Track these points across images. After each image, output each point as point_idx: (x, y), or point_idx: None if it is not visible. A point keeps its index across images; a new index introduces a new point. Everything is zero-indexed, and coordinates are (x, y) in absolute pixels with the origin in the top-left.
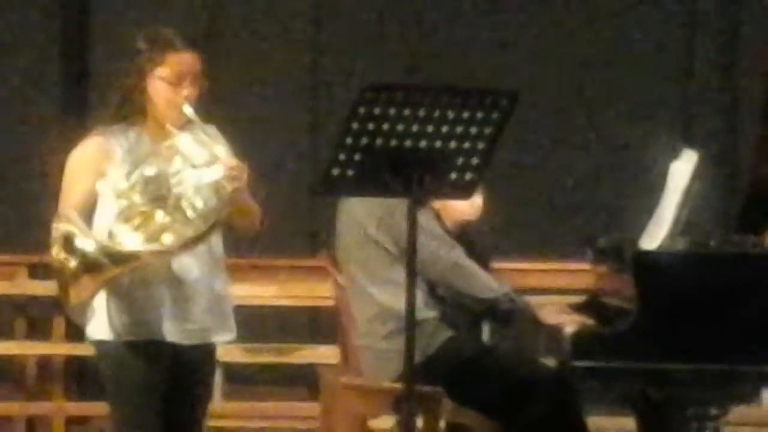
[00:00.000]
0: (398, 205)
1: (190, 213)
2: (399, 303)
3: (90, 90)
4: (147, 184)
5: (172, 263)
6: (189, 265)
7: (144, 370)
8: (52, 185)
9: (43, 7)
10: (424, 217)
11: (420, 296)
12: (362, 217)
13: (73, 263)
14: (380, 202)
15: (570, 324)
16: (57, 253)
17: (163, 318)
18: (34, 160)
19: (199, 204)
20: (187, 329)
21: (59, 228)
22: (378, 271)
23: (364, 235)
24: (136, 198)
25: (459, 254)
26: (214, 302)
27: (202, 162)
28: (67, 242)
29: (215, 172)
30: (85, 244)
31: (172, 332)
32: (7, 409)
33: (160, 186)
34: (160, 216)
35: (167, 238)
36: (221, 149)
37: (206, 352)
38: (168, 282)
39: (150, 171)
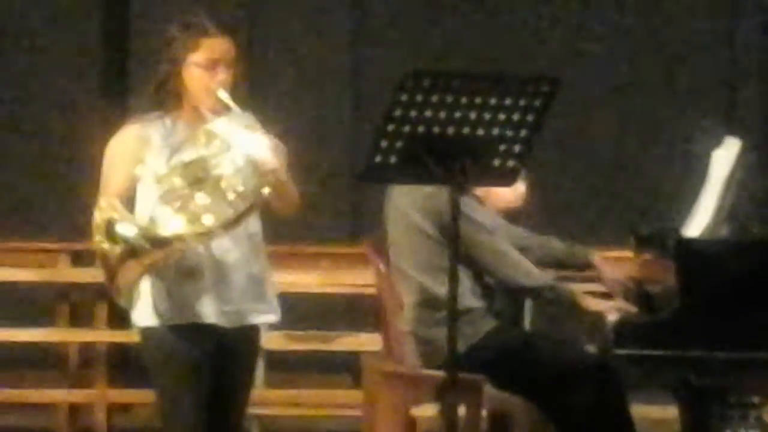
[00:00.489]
0: (441, 193)
1: (230, 194)
2: (446, 290)
3: (129, 78)
4: (186, 167)
5: (211, 247)
6: (228, 248)
7: (187, 353)
8: (93, 173)
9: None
10: (466, 204)
11: (466, 285)
12: (406, 205)
13: (116, 250)
14: (423, 189)
15: (612, 311)
16: (100, 240)
17: (204, 300)
18: (75, 148)
19: (238, 184)
20: (226, 311)
21: (100, 215)
22: (424, 258)
23: (409, 223)
24: (176, 182)
25: (500, 241)
26: (252, 285)
27: (239, 144)
28: (109, 229)
29: (253, 153)
30: (126, 229)
31: (211, 314)
32: (50, 396)
33: (198, 169)
34: (200, 198)
35: (208, 220)
36: (257, 132)
37: (249, 335)
38: (208, 265)
39: (188, 155)
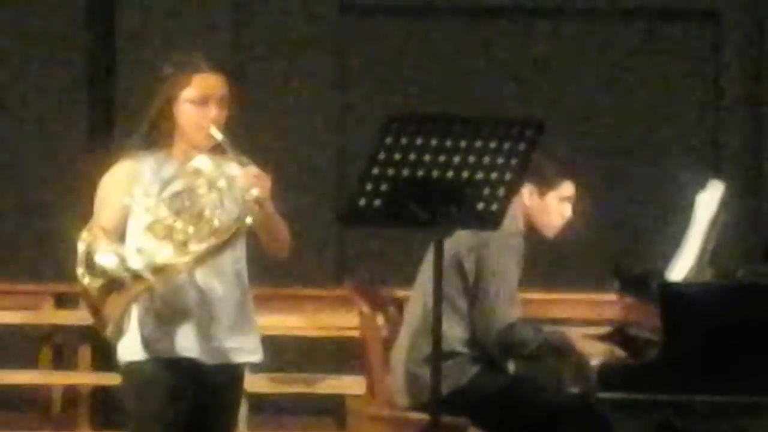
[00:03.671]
0: (496, 240)
1: (214, 223)
2: (451, 331)
3: (116, 121)
4: (172, 199)
5: (198, 283)
6: (214, 286)
7: (169, 388)
8: (76, 216)
9: (70, 36)
10: (505, 253)
11: (467, 334)
12: (458, 242)
13: (96, 283)
14: (479, 233)
15: (604, 353)
16: (81, 274)
17: (188, 335)
18: (58, 192)
19: (222, 214)
20: (212, 347)
21: (82, 246)
22: (452, 298)
23: (454, 263)
24: (163, 212)
25: (513, 315)
26: (238, 324)
27: (223, 176)
28: (88, 260)
29: (237, 184)
30: (105, 259)
31: (195, 349)
32: None
33: (184, 200)
34: (185, 228)
35: (192, 248)
36: (244, 165)
37: (232, 376)
38: (194, 301)
39: (176, 186)
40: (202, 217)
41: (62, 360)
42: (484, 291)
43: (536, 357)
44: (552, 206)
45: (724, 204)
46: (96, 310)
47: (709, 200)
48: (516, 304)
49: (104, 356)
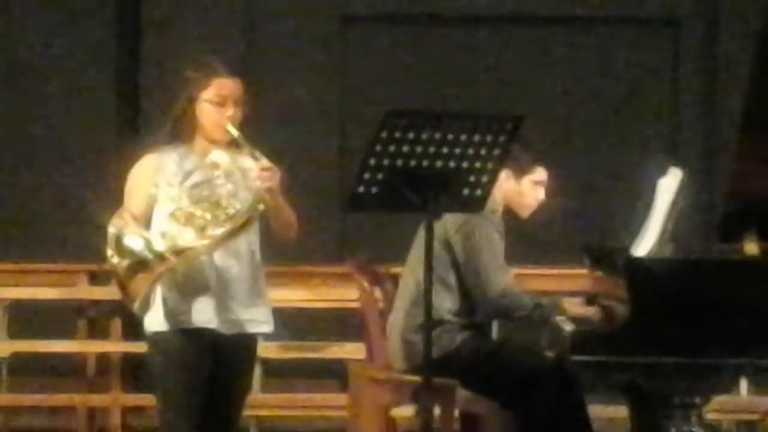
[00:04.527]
0: (477, 218)
1: (229, 210)
2: (441, 302)
3: (141, 115)
4: (193, 189)
5: (216, 262)
6: (231, 264)
7: (190, 354)
8: (108, 200)
9: (99, 41)
10: (487, 229)
11: (455, 305)
12: (447, 227)
13: (124, 263)
14: (465, 215)
15: (593, 314)
16: (111, 255)
17: (207, 308)
18: (92, 179)
19: (236, 203)
20: (228, 319)
21: (112, 229)
22: (441, 272)
23: (443, 242)
24: (184, 201)
25: (508, 279)
26: (251, 298)
27: (238, 168)
28: (117, 242)
29: (250, 175)
30: (132, 242)
31: (214, 321)
32: (71, 400)
33: (203, 190)
34: (204, 215)
35: (209, 232)
36: (257, 159)
37: (246, 344)
38: (212, 277)
39: (196, 178)
40: (219, 205)
41: (96, 331)
42: (475, 263)
43: (523, 320)
44: (527, 189)
45: (683, 189)
46: (124, 288)
47: (669, 185)
48: (505, 269)
49: (133, 327)
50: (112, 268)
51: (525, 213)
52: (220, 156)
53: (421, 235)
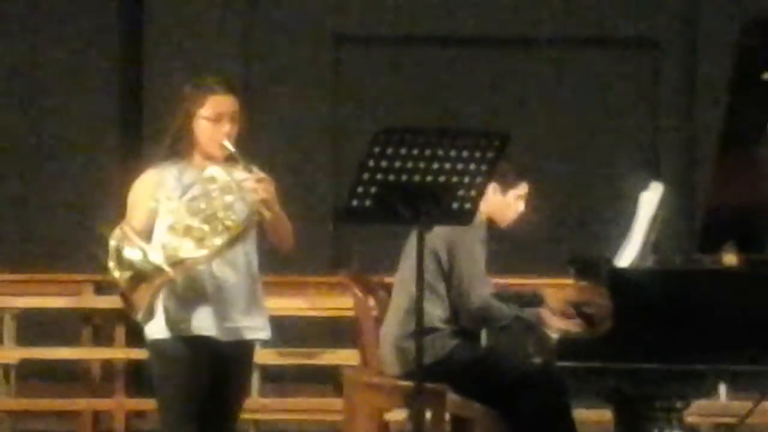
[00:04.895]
0: (460, 230)
1: (227, 222)
2: (432, 310)
3: (144, 133)
4: (191, 202)
5: (215, 272)
6: (229, 274)
7: (189, 361)
8: (112, 213)
9: (103, 59)
10: (470, 241)
11: (445, 313)
12: (436, 239)
13: (125, 276)
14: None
15: (571, 327)
16: (112, 268)
17: (207, 317)
18: (97, 193)
19: (233, 214)
20: (226, 327)
21: (111, 243)
22: (429, 281)
23: (431, 252)
24: (182, 214)
25: (486, 292)
26: (249, 306)
27: (234, 182)
28: (117, 255)
29: (245, 188)
30: (131, 254)
31: (213, 328)
32: (76, 404)
33: (201, 203)
34: (201, 227)
35: (209, 243)
36: (252, 173)
37: (244, 350)
38: (211, 287)
39: (194, 191)
40: (216, 217)
41: (100, 338)
42: (459, 275)
43: (509, 329)
44: (511, 202)
45: (664, 202)
46: (127, 299)
47: (650, 199)
48: (486, 281)
49: (136, 335)
50: (113, 280)
51: (506, 224)
52: (216, 170)
53: (410, 246)
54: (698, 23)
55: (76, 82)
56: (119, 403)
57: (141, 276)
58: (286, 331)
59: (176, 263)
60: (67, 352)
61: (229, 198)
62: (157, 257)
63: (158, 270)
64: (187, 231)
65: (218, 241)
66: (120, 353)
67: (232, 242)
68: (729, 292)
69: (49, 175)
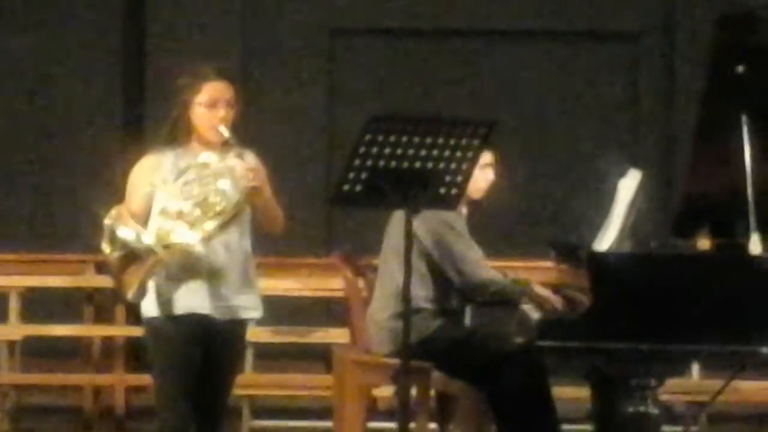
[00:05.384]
0: (441, 215)
1: (218, 207)
2: (415, 290)
3: (145, 116)
4: (185, 186)
5: (208, 253)
6: (223, 256)
7: (182, 339)
8: (114, 196)
9: (107, 50)
10: (460, 223)
11: (432, 291)
12: (416, 219)
13: (116, 254)
14: (433, 212)
15: (557, 302)
16: (105, 247)
17: (201, 296)
18: (99, 177)
19: (224, 200)
20: (219, 305)
21: (107, 221)
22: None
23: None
24: (177, 197)
25: (480, 255)
26: (242, 285)
27: (227, 168)
28: (111, 234)
29: (236, 174)
30: (125, 233)
31: (206, 307)
32: (78, 380)
33: (194, 188)
34: (193, 211)
35: (201, 227)
36: (244, 159)
37: (236, 329)
38: (205, 268)
39: (188, 176)
40: (208, 201)
41: (101, 316)
42: (456, 256)
43: (494, 304)
44: (476, 174)
45: (641, 189)
46: (117, 278)
47: (629, 185)
48: (475, 249)
49: (136, 313)
50: (105, 259)
51: (480, 194)
52: (209, 156)
53: (390, 229)
54: (677, 18)
55: (79, 71)
56: (119, 379)
57: (132, 256)
58: (279, 310)
59: (168, 246)
60: (69, 329)
61: (221, 183)
62: (149, 239)
63: (150, 251)
64: (180, 215)
65: (209, 225)
66: (120, 331)
67: (223, 226)
68: (702, 276)
69: (53, 161)
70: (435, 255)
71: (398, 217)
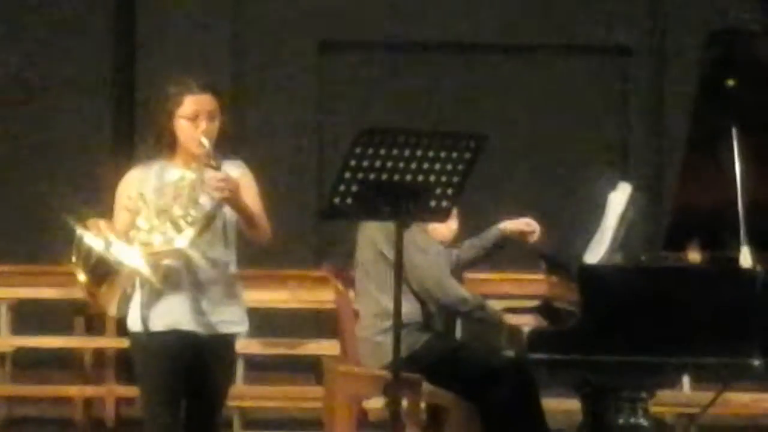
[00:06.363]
0: (407, 231)
1: (189, 218)
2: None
3: (136, 128)
4: (159, 200)
5: (192, 266)
6: (206, 270)
7: (165, 354)
8: (105, 207)
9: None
10: (421, 238)
11: (414, 306)
12: (378, 237)
13: (86, 266)
14: (391, 225)
15: (527, 326)
16: (74, 256)
17: (183, 311)
18: (90, 188)
19: (195, 211)
20: (202, 320)
21: (77, 232)
22: (383, 279)
23: (377, 251)
24: (151, 211)
25: (446, 274)
26: (225, 299)
27: (201, 181)
28: (79, 242)
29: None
30: (93, 242)
31: (188, 322)
32: (68, 391)
33: (169, 201)
34: (163, 223)
35: (173, 242)
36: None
37: (222, 343)
38: (186, 283)
39: (166, 190)
40: (181, 215)
41: (92, 328)
42: (419, 274)
43: (474, 319)
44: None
45: (632, 202)
46: (89, 293)
47: (619, 199)
48: (439, 264)
49: (126, 325)
50: (76, 275)
51: (445, 241)
52: (187, 172)
53: (359, 249)
54: (667, 32)
55: (69, 84)
56: (110, 390)
57: (100, 268)
58: (270, 322)
59: (155, 254)
60: (60, 341)
61: (195, 196)
62: (120, 251)
63: (119, 264)
64: (153, 229)
65: (181, 241)
66: (111, 342)
67: (199, 234)
68: (693, 288)
69: (44, 174)
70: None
71: (363, 235)
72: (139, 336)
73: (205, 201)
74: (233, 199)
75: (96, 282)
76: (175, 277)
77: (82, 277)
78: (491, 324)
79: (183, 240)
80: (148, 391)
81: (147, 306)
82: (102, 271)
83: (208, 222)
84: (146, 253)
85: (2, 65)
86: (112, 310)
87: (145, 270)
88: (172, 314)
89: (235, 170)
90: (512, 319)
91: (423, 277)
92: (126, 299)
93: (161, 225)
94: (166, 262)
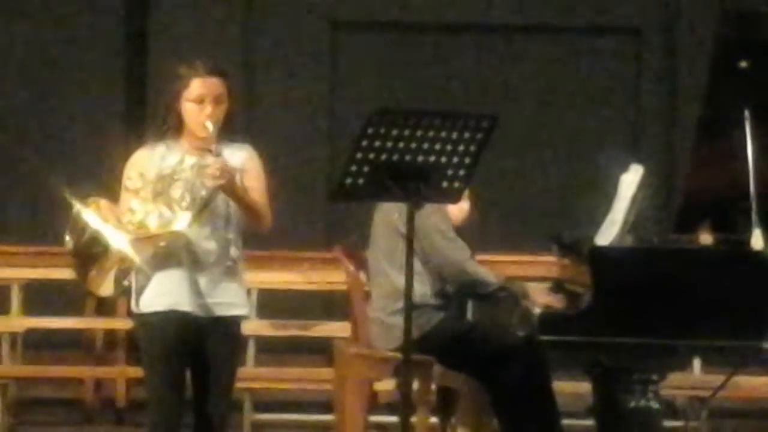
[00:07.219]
0: (425, 210)
1: (183, 203)
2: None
3: (147, 108)
4: (156, 183)
5: (193, 248)
6: (207, 251)
7: (166, 335)
8: (115, 187)
9: (109, 46)
10: (439, 219)
11: (428, 288)
12: (396, 216)
13: (79, 242)
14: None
15: (556, 303)
16: (68, 233)
17: (182, 293)
18: (101, 168)
19: (192, 195)
20: (201, 303)
21: (75, 207)
22: (399, 259)
23: (394, 230)
24: (148, 193)
25: (466, 256)
26: (225, 282)
27: (199, 166)
28: (76, 218)
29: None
30: (90, 218)
31: (188, 304)
32: (79, 372)
33: (165, 185)
34: (158, 207)
35: (169, 224)
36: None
37: (223, 326)
38: (187, 264)
39: (166, 171)
40: (176, 198)
41: (103, 309)
42: (429, 247)
43: (494, 301)
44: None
45: (643, 184)
46: (80, 274)
47: (630, 180)
48: (461, 247)
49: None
50: (68, 253)
51: (457, 223)
52: (188, 157)
53: (375, 228)
54: (679, 12)
55: (81, 63)
56: (120, 371)
57: (91, 246)
58: (280, 303)
59: (136, 240)
60: (71, 322)
61: (193, 180)
62: (110, 233)
63: (109, 245)
64: (149, 211)
65: (179, 224)
66: (121, 324)
67: (192, 222)
68: (704, 271)
69: (56, 158)
70: (424, 251)
71: (381, 214)
72: (140, 317)
73: (203, 186)
74: (229, 188)
75: (85, 260)
76: (174, 258)
77: (70, 252)
78: (514, 302)
79: (181, 223)
80: (150, 371)
81: (147, 287)
82: (92, 251)
83: (203, 207)
84: (143, 235)
85: (13, 46)
86: (105, 290)
87: (132, 255)
88: (171, 295)
89: (241, 155)
90: (542, 297)
91: (446, 260)
92: (122, 279)
93: (157, 207)
94: (163, 243)
